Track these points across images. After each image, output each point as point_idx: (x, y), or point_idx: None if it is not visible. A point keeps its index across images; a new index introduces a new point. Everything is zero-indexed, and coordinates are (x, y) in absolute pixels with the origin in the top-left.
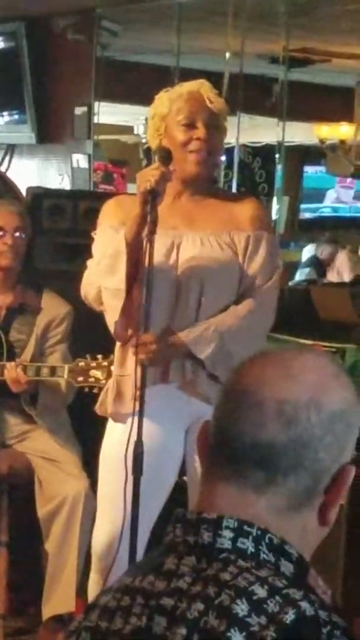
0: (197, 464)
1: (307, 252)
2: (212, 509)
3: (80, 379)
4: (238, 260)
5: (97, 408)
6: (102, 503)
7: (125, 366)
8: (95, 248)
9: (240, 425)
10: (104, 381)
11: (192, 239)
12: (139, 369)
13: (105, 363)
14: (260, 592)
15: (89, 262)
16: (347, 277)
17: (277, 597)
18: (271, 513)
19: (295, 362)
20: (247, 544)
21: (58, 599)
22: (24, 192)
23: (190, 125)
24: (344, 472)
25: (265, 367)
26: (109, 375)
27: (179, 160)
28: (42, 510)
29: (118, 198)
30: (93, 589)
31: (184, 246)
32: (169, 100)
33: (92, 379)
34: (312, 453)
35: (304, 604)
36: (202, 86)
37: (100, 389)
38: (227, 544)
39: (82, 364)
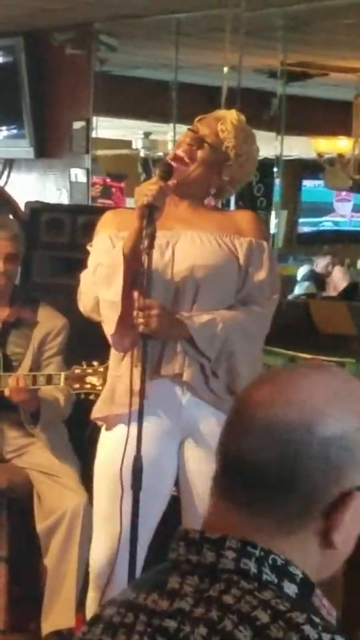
0: (190, 478)
1: (303, 270)
2: (214, 528)
3: (77, 385)
4: (236, 262)
5: (93, 415)
6: (98, 520)
7: (120, 367)
8: (91, 257)
9: (233, 446)
10: (100, 387)
11: (190, 237)
12: (132, 372)
13: (101, 369)
14: (264, 617)
15: (84, 273)
16: None
17: (281, 622)
18: (263, 534)
19: (299, 384)
20: (250, 565)
21: (57, 615)
22: (22, 207)
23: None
24: (347, 497)
25: (267, 388)
26: (104, 381)
27: None
28: (41, 525)
29: (115, 210)
30: (91, 607)
31: (180, 244)
32: None
33: (88, 385)
34: (303, 475)
35: (307, 628)
36: (229, 113)
37: (97, 395)
38: (230, 565)
39: (78, 370)
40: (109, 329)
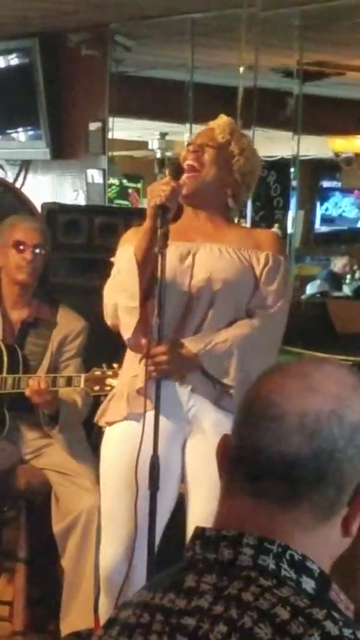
0: (194, 477)
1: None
2: (233, 525)
3: (97, 387)
4: (252, 275)
5: (111, 419)
6: (107, 521)
7: (136, 368)
8: (113, 268)
9: (262, 440)
10: None
11: (209, 248)
12: (143, 371)
13: (120, 372)
14: (283, 613)
15: (106, 284)
16: None
17: (301, 618)
18: (294, 527)
19: (315, 373)
20: (268, 561)
21: (76, 615)
22: (39, 208)
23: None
24: None
25: (285, 380)
26: None
27: None
28: (57, 527)
29: (138, 227)
30: (103, 612)
31: (200, 255)
32: None
33: (108, 388)
34: (336, 465)
35: (328, 624)
36: (219, 119)
37: None
38: (248, 562)
39: (97, 372)
40: (126, 332)
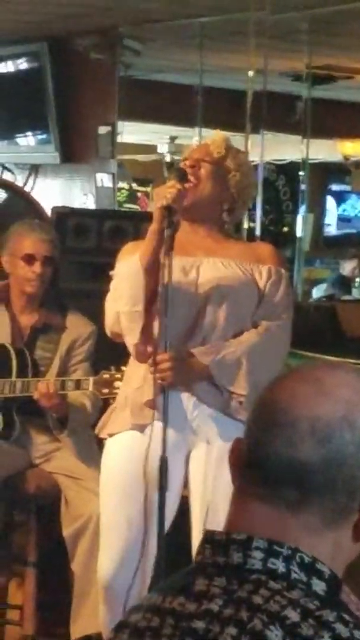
0: (197, 484)
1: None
2: (243, 528)
3: (105, 390)
4: (256, 287)
5: (112, 430)
6: (106, 530)
7: (139, 379)
8: (114, 281)
9: (273, 444)
10: None
11: (212, 262)
12: (151, 381)
13: (122, 383)
14: (293, 615)
15: (107, 296)
16: None
17: (311, 620)
18: (304, 531)
19: (327, 378)
20: (278, 564)
21: (86, 620)
22: (48, 212)
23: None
24: None
25: (297, 385)
26: None
27: None
28: (67, 530)
29: (136, 242)
30: (103, 622)
31: (204, 268)
32: None
33: (116, 391)
34: (347, 471)
35: (339, 626)
36: (214, 134)
37: None
38: (258, 565)
39: (106, 375)
40: (131, 339)
